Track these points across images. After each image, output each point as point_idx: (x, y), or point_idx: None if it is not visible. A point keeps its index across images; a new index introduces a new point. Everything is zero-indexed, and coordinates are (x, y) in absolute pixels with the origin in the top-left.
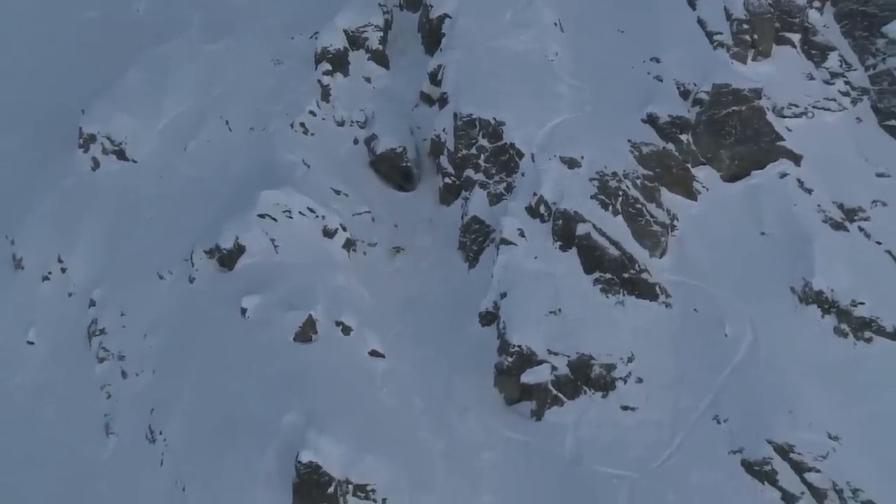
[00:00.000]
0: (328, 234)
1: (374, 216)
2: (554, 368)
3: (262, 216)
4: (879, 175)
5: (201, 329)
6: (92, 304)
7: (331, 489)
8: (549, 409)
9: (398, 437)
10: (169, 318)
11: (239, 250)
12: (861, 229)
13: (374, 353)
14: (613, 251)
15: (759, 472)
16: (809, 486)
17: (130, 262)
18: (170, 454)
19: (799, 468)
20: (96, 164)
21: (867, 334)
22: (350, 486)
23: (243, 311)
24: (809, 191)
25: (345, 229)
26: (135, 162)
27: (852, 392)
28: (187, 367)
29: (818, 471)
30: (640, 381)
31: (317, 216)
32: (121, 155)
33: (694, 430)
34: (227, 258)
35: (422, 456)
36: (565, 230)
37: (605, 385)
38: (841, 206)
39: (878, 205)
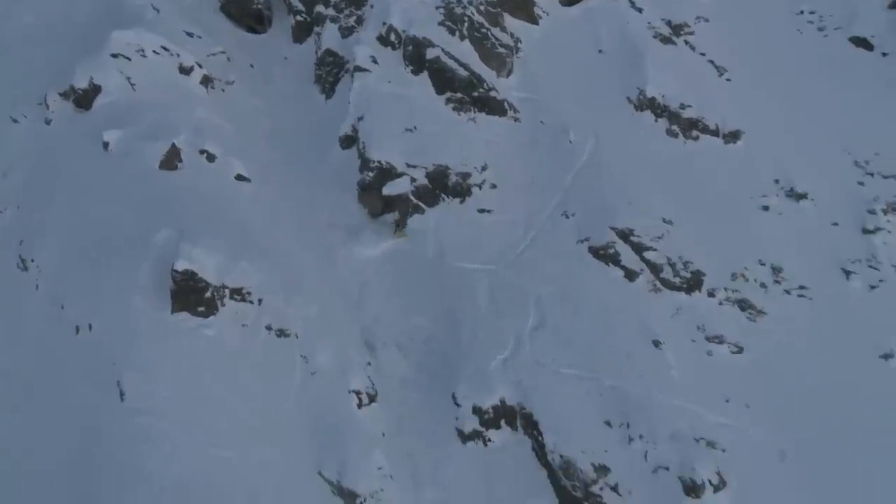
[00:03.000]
0: (184, 71)
1: (229, 56)
2: (413, 180)
3: (115, 56)
4: None
5: (63, 165)
6: None
7: (208, 294)
8: (410, 216)
9: (270, 248)
10: (28, 158)
11: (94, 90)
12: (687, 42)
13: (240, 178)
14: (462, 72)
15: (604, 255)
16: (648, 262)
17: None
18: (44, 278)
19: (638, 249)
20: None
21: (694, 133)
22: (226, 290)
23: (105, 144)
24: (640, 10)
25: (201, 66)
26: None
27: (683, 183)
28: (53, 200)
29: (655, 249)
30: (494, 186)
31: (171, 54)
32: None
33: (545, 225)
34: (83, 98)
35: (293, 263)
36: (416, 55)
37: (462, 192)
38: (668, 23)
39: (701, 21)
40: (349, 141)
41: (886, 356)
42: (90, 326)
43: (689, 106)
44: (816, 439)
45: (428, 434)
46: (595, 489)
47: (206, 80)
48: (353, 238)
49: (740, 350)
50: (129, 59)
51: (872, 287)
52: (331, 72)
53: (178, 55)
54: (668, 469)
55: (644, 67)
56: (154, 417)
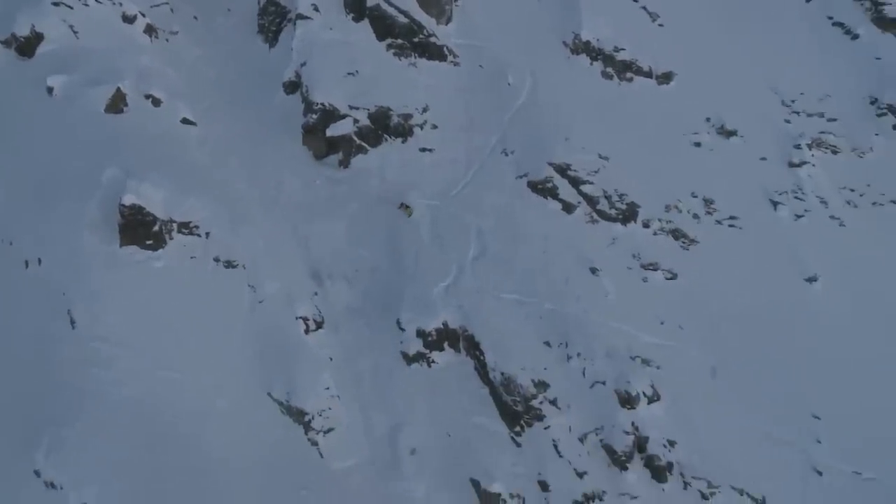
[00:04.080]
0: (128, 19)
1: (172, 8)
2: (356, 121)
3: (56, 4)
4: None
5: (7, 110)
6: None
7: (156, 228)
8: (354, 157)
9: (216, 186)
10: None
11: (37, 38)
12: None
13: (185, 121)
14: (402, 19)
15: (542, 189)
16: (584, 195)
17: None
18: None
19: (575, 182)
20: None
21: (628, 75)
22: (174, 225)
23: (49, 90)
24: None
25: (144, 16)
26: None
27: (618, 122)
28: None
29: (591, 183)
30: (435, 127)
31: (114, 3)
32: None
33: (485, 163)
34: (26, 46)
35: (240, 200)
36: (356, 3)
37: (404, 132)
38: None
39: None
40: (293, 87)
41: (811, 279)
42: (39, 261)
43: (623, 49)
44: (745, 356)
45: (374, 358)
46: (535, 403)
47: (150, 30)
48: (298, 179)
49: (674, 276)
50: (71, 8)
51: (798, 216)
52: (273, 21)
53: (121, 4)
54: (604, 384)
55: (579, 13)
56: (105, 343)
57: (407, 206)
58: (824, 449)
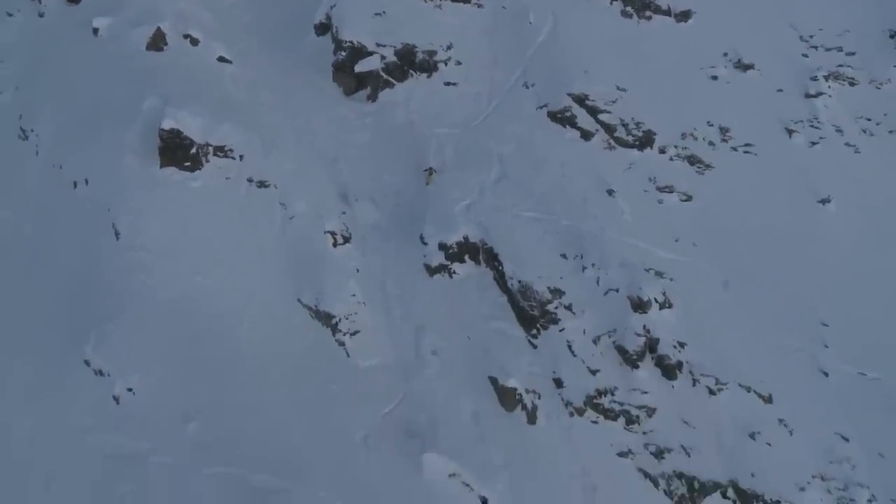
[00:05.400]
0: None
1: None
2: (383, 58)
3: None
4: None
5: (56, 50)
6: None
7: (193, 150)
8: (381, 91)
9: (250, 116)
10: (24, 46)
11: None
12: None
13: (221, 59)
14: None
15: (561, 118)
16: (602, 123)
17: None
18: (43, 145)
19: (593, 112)
20: None
21: (647, 13)
22: (210, 148)
23: (95, 30)
24: None
25: None
26: None
27: (636, 57)
28: (48, 80)
29: (609, 112)
30: (459, 63)
31: None
32: None
33: (507, 95)
34: None
35: (272, 128)
36: None
37: (429, 67)
38: None
39: None
40: (323, 28)
41: (823, 201)
42: (86, 181)
43: None
44: (758, 271)
45: (398, 270)
46: (550, 308)
47: None
48: (328, 112)
49: (689, 198)
50: None
51: (813, 143)
52: None
53: None
54: (617, 291)
55: None
56: (146, 252)
57: (432, 172)
58: (831, 353)
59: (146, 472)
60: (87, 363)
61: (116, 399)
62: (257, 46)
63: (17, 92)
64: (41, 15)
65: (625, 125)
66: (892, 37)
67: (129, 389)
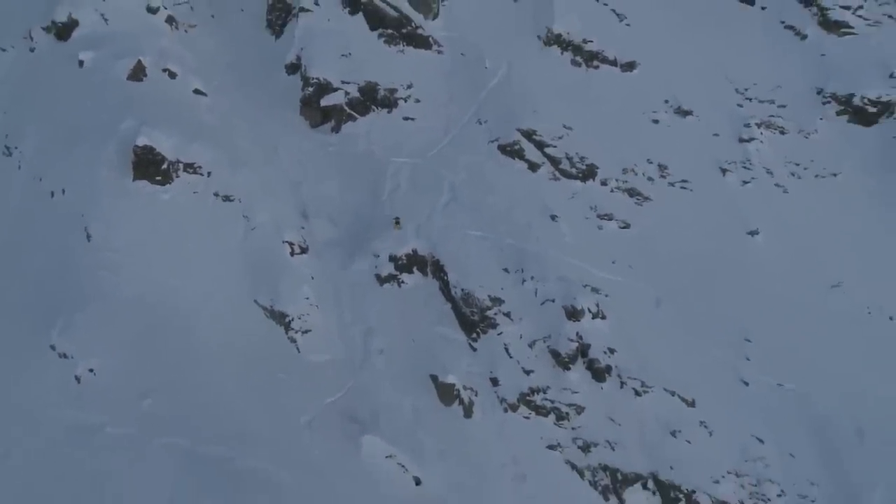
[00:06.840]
0: (152, 10)
1: (192, 6)
2: (347, 94)
3: None
4: None
5: (44, 80)
6: None
7: (164, 166)
8: (345, 123)
9: (221, 139)
10: (14, 75)
11: (73, 24)
12: None
13: (197, 92)
14: (393, 13)
15: (511, 151)
16: (548, 156)
17: None
18: (25, 160)
19: (540, 146)
20: None
21: (595, 63)
22: (181, 165)
23: (80, 63)
24: None
25: (166, 8)
26: None
27: (583, 101)
28: (34, 105)
29: (555, 146)
30: (418, 101)
31: None
32: None
33: (461, 130)
34: (63, 31)
35: (241, 151)
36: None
37: (390, 103)
38: None
39: None
40: (294, 68)
41: (752, 233)
42: (63, 191)
43: (591, 41)
44: (689, 292)
45: (351, 279)
46: (490, 314)
47: (171, 20)
48: (295, 141)
49: (627, 225)
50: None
51: (745, 182)
52: (280, 16)
53: None
54: (553, 301)
55: (552, 10)
56: (115, 253)
57: (398, 222)
58: (752, 365)
59: (103, 441)
60: (52, 347)
61: (78, 378)
62: (232, 82)
63: (4, 115)
64: (32, 50)
65: (569, 159)
66: (818, 93)
67: (91, 370)
